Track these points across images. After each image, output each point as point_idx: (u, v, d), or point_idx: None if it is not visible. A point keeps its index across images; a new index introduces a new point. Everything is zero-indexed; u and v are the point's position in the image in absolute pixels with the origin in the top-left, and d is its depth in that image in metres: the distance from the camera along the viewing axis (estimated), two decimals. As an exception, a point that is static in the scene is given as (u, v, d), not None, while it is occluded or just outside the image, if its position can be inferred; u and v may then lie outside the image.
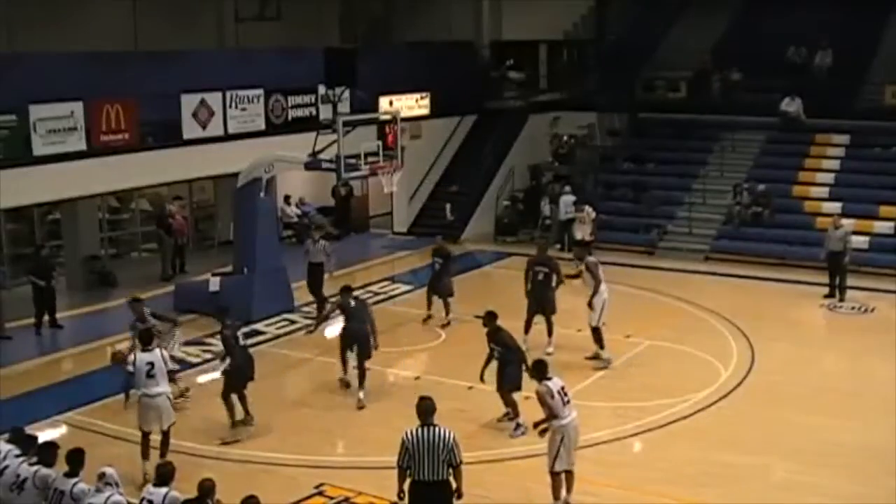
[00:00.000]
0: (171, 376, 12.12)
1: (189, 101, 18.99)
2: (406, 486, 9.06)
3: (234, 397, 12.67)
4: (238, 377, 12.70)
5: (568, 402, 10.54)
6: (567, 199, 23.27)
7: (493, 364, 12.79)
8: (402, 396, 13.11)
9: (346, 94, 18.00)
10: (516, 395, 12.60)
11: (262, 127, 20.40)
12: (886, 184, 22.19)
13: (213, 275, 18.54)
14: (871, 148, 23.71)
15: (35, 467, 8.98)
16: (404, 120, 20.10)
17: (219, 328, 13.44)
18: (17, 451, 9.28)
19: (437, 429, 8.97)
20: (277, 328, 17.43)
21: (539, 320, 15.61)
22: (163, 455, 11.30)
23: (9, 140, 16.32)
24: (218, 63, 21.17)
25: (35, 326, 17.46)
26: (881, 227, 21.42)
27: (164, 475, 8.85)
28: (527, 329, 15.39)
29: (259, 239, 18.11)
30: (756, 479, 11.47)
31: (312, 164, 17.19)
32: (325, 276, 17.59)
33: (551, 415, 10.43)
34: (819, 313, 18.53)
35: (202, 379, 14.36)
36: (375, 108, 20.33)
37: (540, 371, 10.71)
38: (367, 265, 22.74)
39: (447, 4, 28.26)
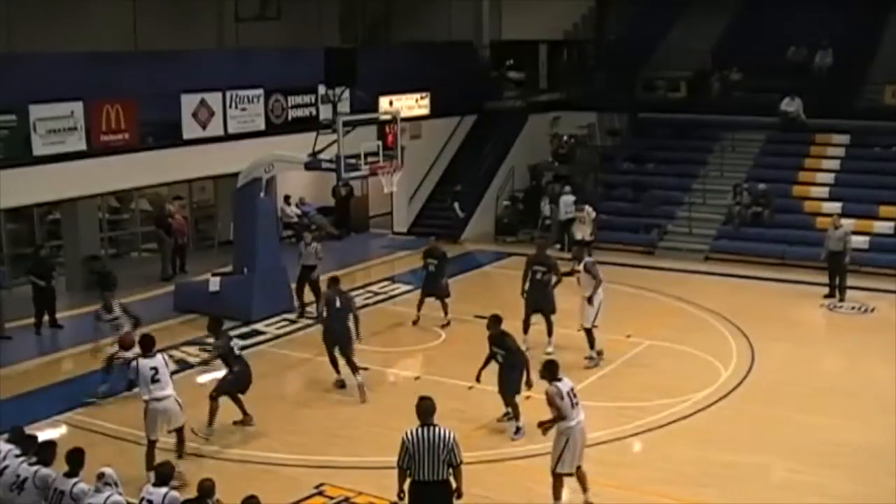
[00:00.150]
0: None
1: (189, 101, 19.00)
2: (406, 486, 9.06)
3: (224, 400, 12.66)
4: (235, 384, 12.72)
5: (576, 404, 10.49)
6: (567, 199, 23.27)
7: (494, 366, 12.77)
8: (402, 396, 13.08)
9: (346, 94, 18.02)
10: (517, 397, 12.59)
11: (262, 127, 20.41)
12: (886, 184, 22.19)
13: (213, 275, 18.55)
14: (871, 148, 23.72)
15: (35, 467, 9.00)
16: (404, 120, 20.12)
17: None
18: (17, 451, 9.29)
19: (437, 429, 8.96)
20: (277, 328, 17.43)
21: (539, 320, 15.62)
22: (179, 455, 11.41)
23: (9, 140, 16.33)
24: (218, 63, 21.15)
25: (35, 326, 17.47)
26: (881, 227, 21.44)
27: (164, 475, 8.87)
28: (525, 329, 15.40)
29: (259, 239, 18.11)
30: (756, 479, 11.46)
31: (312, 164, 17.19)
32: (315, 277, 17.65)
33: (559, 416, 10.38)
34: (819, 313, 18.53)
35: (201, 379, 14.34)
36: (375, 108, 20.34)
37: (551, 371, 10.62)
38: (367, 265, 22.76)
39: (447, 4, 28.25)
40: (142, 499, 8.73)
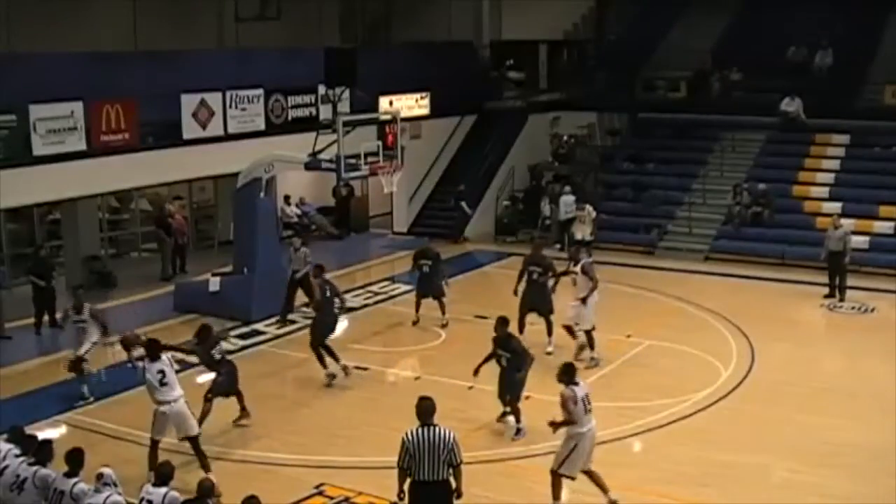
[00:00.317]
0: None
1: (189, 101, 19.01)
2: (406, 486, 9.06)
3: (224, 400, 12.70)
4: (227, 386, 12.76)
5: (589, 410, 10.42)
6: (567, 199, 23.27)
7: (495, 367, 12.75)
8: (402, 396, 13.07)
9: (346, 94, 18.01)
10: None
11: (262, 127, 20.41)
12: (886, 184, 22.19)
13: (213, 275, 18.55)
14: (871, 148, 23.71)
15: (35, 467, 8.99)
16: (404, 120, 20.12)
17: (219, 330, 13.43)
18: (17, 451, 9.28)
19: (437, 429, 8.95)
20: (277, 328, 17.41)
21: (537, 320, 15.61)
22: (205, 468, 11.06)
23: (9, 140, 16.33)
24: (218, 63, 21.15)
25: (35, 326, 17.47)
26: (881, 227, 21.43)
27: (164, 475, 8.86)
28: (521, 329, 15.31)
29: (259, 239, 18.11)
30: (756, 479, 11.46)
31: (312, 164, 17.19)
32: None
33: (570, 420, 10.31)
34: (819, 313, 18.53)
35: (201, 379, 14.33)
36: (375, 108, 20.32)
37: (569, 375, 10.51)
38: (367, 265, 22.76)
39: (447, 4, 28.25)
40: (141, 499, 8.72)
